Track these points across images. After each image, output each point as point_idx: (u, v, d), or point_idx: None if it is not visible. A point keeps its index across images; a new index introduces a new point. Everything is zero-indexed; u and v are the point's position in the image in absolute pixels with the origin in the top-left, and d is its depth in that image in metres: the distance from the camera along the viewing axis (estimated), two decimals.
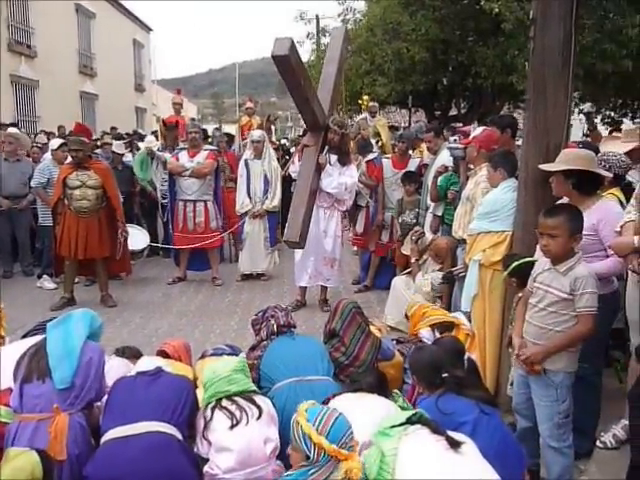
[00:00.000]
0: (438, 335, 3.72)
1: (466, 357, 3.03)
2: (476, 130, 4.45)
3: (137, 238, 6.76)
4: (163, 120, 8.68)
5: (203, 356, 3.32)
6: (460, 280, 4.18)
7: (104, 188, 5.78)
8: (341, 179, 5.42)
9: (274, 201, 6.83)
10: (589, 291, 2.46)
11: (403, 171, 6.14)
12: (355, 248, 7.71)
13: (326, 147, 5.26)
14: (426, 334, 3.74)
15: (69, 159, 5.90)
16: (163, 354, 3.34)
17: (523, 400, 2.78)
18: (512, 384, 2.98)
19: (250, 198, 6.78)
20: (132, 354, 3.33)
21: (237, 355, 3.19)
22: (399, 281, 5.21)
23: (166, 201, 7.11)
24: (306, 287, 5.92)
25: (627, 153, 3.72)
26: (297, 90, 4.39)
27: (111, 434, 2.40)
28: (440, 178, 5.06)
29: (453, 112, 17.04)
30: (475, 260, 3.56)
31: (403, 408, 2.66)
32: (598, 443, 3.06)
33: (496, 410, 2.49)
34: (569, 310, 2.51)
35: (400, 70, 13.25)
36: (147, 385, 2.56)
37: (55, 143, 6.90)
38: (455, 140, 4.97)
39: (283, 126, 47.43)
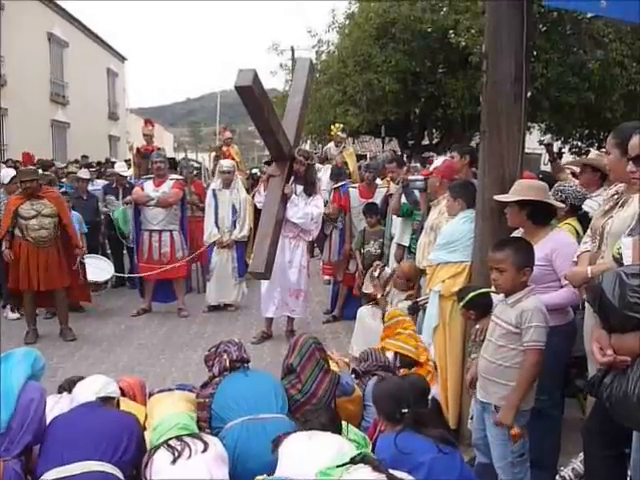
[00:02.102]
0: (398, 364, 3.74)
1: (430, 397, 2.99)
2: (437, 161, 4.50)
3: (101, 269, 6.63)
4: (138, 148, 8.63)
5: (151, 394, 3.20)
6: (425, 310, 4.15)
7: (59, 216, 5.67)
8: (307, 209, 5.43)
9: (243, 231, 6.80)
10: (535, 324, 2.43)
11: (370, 200, 6.16)
12: (326, 277, 7.67)
13: (292, 177, 5.27)
14: (389, 356, 3.76)
15: (19, 190, 5.74)
16: None
17: (481, 436, 2.73)
18: (472, 418, 2.93)
19: (218, 228, 6.72)
20: None
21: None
22: (365, 311, 5.17)
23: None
24: (272, 318, 5.84)
25: (581, 183, 3.77)
26: (261, 120, 4.43)
27: (47, 477, 2.27)
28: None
29: (425, 142, 17.33)
30: (435, 291, 3.55)
31: (356, 442, 2.60)
32: (557, 478, 3.01)
33: (456, 449, 2.46)
34: (517, 344, 2.48)
35: (372, 100, 13.45)
36: (86, 418, 2.44)
37: (6, 175, 6.62)
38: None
39: (260, 154, 47.84)
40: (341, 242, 6.47)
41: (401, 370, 3.68)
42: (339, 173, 6.93)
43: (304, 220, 5.44)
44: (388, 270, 5.18)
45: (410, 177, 4.74)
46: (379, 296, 4.94)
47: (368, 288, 5.28)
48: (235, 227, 6.75)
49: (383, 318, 4.71)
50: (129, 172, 8.67)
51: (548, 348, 2.50)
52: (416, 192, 4.79)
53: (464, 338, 3.38)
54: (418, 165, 5.57)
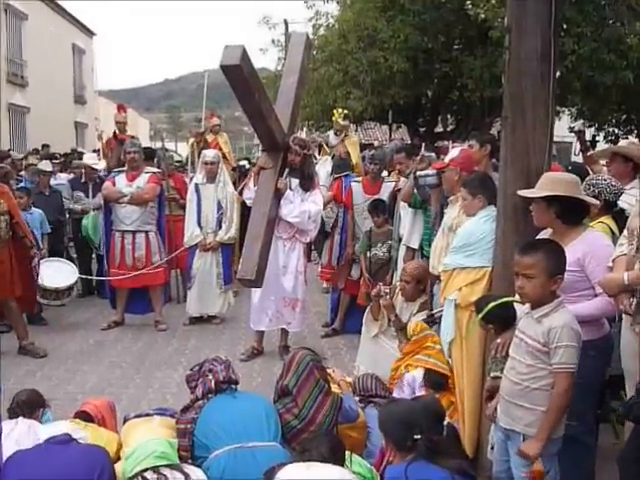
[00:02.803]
0: (421, 387, 3.71)
1: (446, 423, 2.99)
2: (452, 152, 4.50)
3: (63, 274, 6.59)
4: (115, 134, 8.63)
5: (126, 420, 3.21)
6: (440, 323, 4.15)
7: (10, 214, 5.64)
8: (304, 206, 5.43)
9: (230, 232, 6.82)
10: (565, 344, 2.43)
11: (375, 197, 6.18)
12: (325, 285, 7.68)
13: (286, 170, 5.26)
14: (413, 377, 3.74)
15: None
16: (83, 415, 3.25)
17: (504, 468, 2.75)
18: (493, 447, 2.94)
19: (201, 228, 6.73)
20: (32, 406, 3.15)
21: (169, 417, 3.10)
22: (372, 323, 5.14)
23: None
24: (264, 332, 5.85)
25: (613, 175, 3.79)
26: (250, 104, 4.38)
27: None
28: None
29: (439, 129, 17.39)
30: (450, 300, 3.56)
31: (362, 475, 2.60)
32: None
33: None
34: (547, 364, 2.48)
35: (377, 82, 13.53)
36: (51, 460, 2.43)
37: None
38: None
39: (248, 144, 47.72)
40: (343, 244, 6.49)
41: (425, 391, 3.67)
42: (343, 165, 6.93)
43: (300, 219, 5.44)
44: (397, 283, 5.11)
45: (420, 172, 4.71)
46: (392, 318, 4.76)
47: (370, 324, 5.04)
48: (221, 227, 6.76)
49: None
50: (101, 164, 8.68)
51: (580, 366, 2.51)
52: (427, 189, 4.77)
53: (484, 354, 3.39)
54: (432, 155, 5.55)
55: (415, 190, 5.04)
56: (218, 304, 6.89)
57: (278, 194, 5.06)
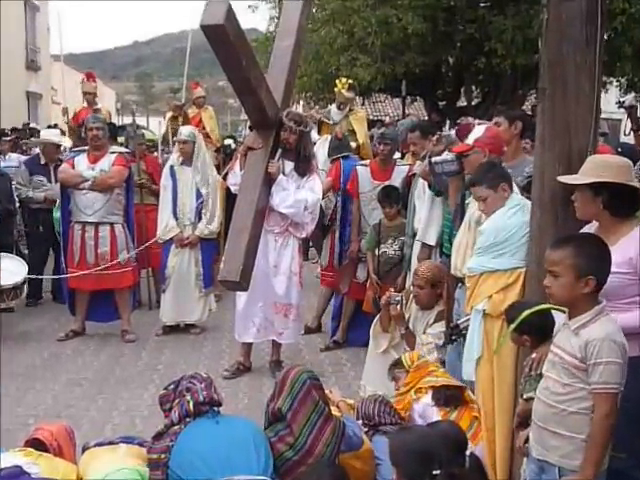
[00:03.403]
0: (436, 411, 3.70)
1: (468, 453, 3.00)
2: (475, 131, 4.48)
3: (10, 269, 6.52)
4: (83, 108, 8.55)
5: (86, 448, 3.21)
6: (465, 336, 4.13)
7: None
8: (299, 194, 5.42)
9: (212, 224, 6.81)
10: (605, 360, 2.42)
11: (386, 183, 6.16)
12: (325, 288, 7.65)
13: (279, 150, 5.24)
14: (424, 406, 3.74)
15: None
16: (36, 443, 3.24)
17: None
18: None
19: (177, 219, 6.72)
20: None
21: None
22: (381, 335, 5.13)
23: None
24: (251, 344, 5.84)
25: None
26: (236, 72, 4.36)
27: None
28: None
29: (462, 102, 17.38)
30: (478, 310, 3.55)
31: None
32: None
33: None
34: (586, 384, 2.47)
35: (389, 46, 13.51)
36: None
37: None
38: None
39: (234, 120, 47.40)
40: (345, 240, 6.47)
41: (441, 412, 3.69)
42: (339, 147, 6.92)
43: (295, 210, 5.42)
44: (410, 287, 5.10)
45: (436, 158, 4.65)
46: (403, 331, 4.79)
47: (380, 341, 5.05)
48: (200, 218, 6.75)
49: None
50: (67, 142, 8.65)
51: (627, 387, 2.50)
52: (445, 177, 4.73)
53: (517, 373, 3.39)
54: (451, 134, 5.51)
55: (431, 178, 5.03)
56: (197, 310, 6.88)
57: (269, 179, 5.05)
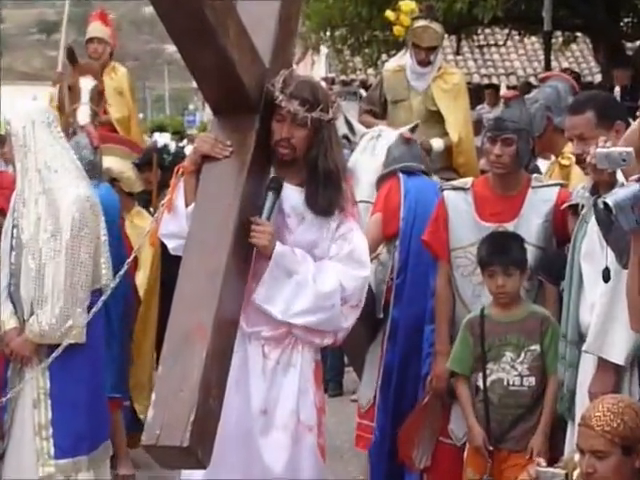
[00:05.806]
0: None
1: None
2: None
3: None
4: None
5: None
6: None
7: None
8: (325, 277, 3.26)
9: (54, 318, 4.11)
10: None
11: (506, 226, 3.72)
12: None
13: (270, 164, 3.22)
14: None
15: None
16: None
17: None
18: None
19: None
20: None
21: None
22: None
23: None
24: None
25: None
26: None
27: None
28: None
29: None
30: None
31: None
32: None
33: None
34: None
35: None
36: None
37: None
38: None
39: (181, 91, 30.39)
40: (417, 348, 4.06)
41: None
42: (405, 154, 4.06)
43: (323, 315, 3.20)
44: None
45: (601, 150, 2.68)
46: None
47: None
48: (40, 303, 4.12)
49: None
50: None
51: None
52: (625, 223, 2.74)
53: None
54: None
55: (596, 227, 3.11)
56: None
57: (246, 241, 3.00)
